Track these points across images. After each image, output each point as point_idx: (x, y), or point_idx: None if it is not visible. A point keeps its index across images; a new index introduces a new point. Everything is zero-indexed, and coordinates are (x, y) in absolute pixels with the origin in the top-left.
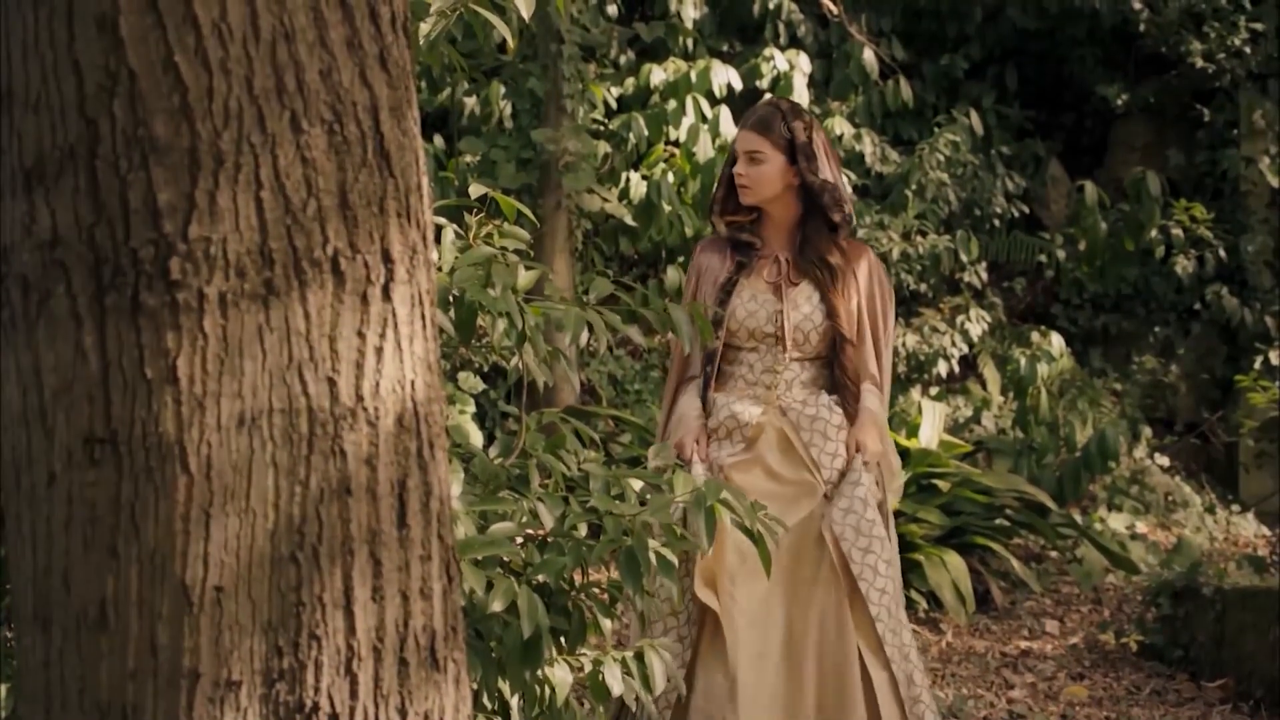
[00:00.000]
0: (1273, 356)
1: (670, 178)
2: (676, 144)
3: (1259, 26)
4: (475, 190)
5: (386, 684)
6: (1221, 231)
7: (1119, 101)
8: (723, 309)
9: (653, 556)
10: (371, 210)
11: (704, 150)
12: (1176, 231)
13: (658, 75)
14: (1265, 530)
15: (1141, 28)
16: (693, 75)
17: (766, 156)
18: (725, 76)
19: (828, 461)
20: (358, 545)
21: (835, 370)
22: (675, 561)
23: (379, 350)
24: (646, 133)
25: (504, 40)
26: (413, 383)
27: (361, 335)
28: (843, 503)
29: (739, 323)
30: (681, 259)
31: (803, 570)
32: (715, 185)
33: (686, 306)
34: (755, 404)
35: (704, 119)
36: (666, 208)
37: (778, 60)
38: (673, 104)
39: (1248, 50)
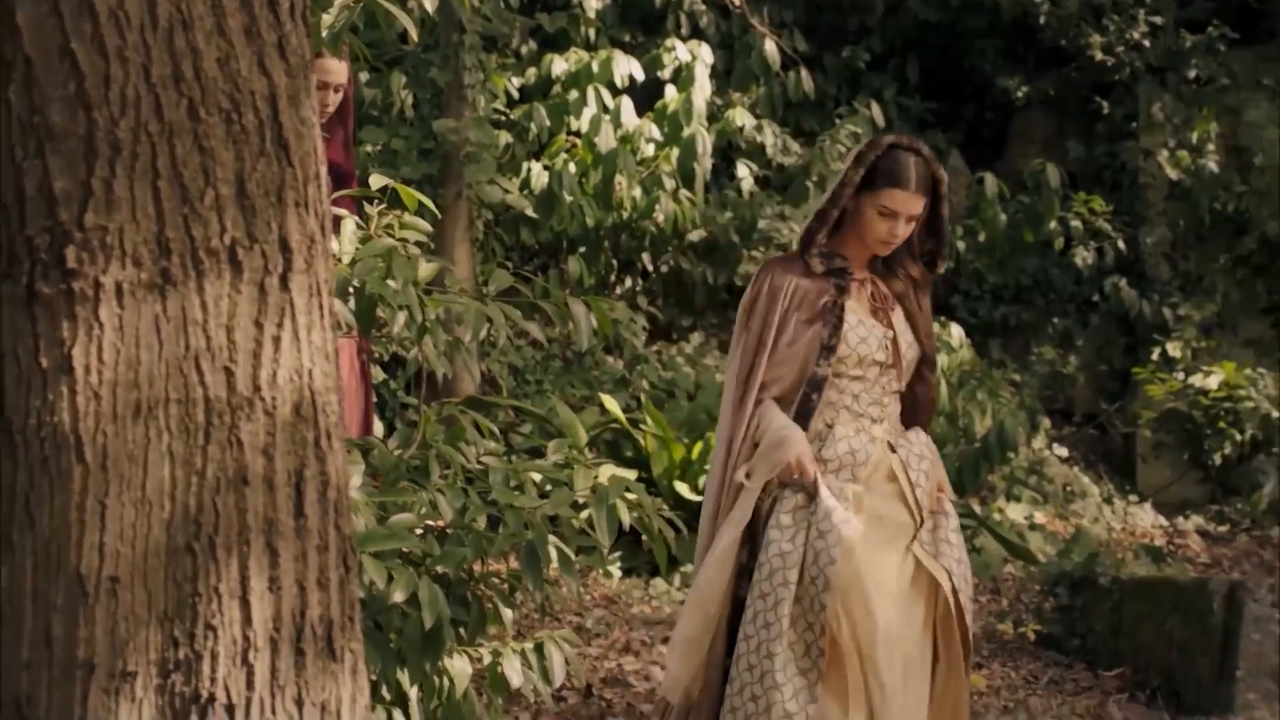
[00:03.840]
0: (1170, 348)
1: (572, 168)
2: (578, 134)
3: (1158, 20)
4: (376, 181)
5: (283, 675)
6: (1120, 224)
7: (1019, 94)
8: (836, 335)
9: (553, 551)
10: (269, 199)
11: (606, 140)
12: (1076, 223)
13: (560, 65)
14: (1162, 521)
15: (1042, 20)
16: (595, 66)
17: (920, 213)
18: (627, 67)
19: (923, 500)
20: (254, 535)
21: (916, 394)
22: (574, 555)
23: (276, 340)
24: (548, 123)
25: (406, 30)
26: (310, 372)
27: (259, 325)
28: (955, 552)
29: (851, 349)
30: (583, 249)
31: (909, 618)
32: (814, 221)
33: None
34: (869, 439)
35: (606, 109)
36: (568, 198)
37: (679, 51)
38: (574, 94)
39: (1147, 44)
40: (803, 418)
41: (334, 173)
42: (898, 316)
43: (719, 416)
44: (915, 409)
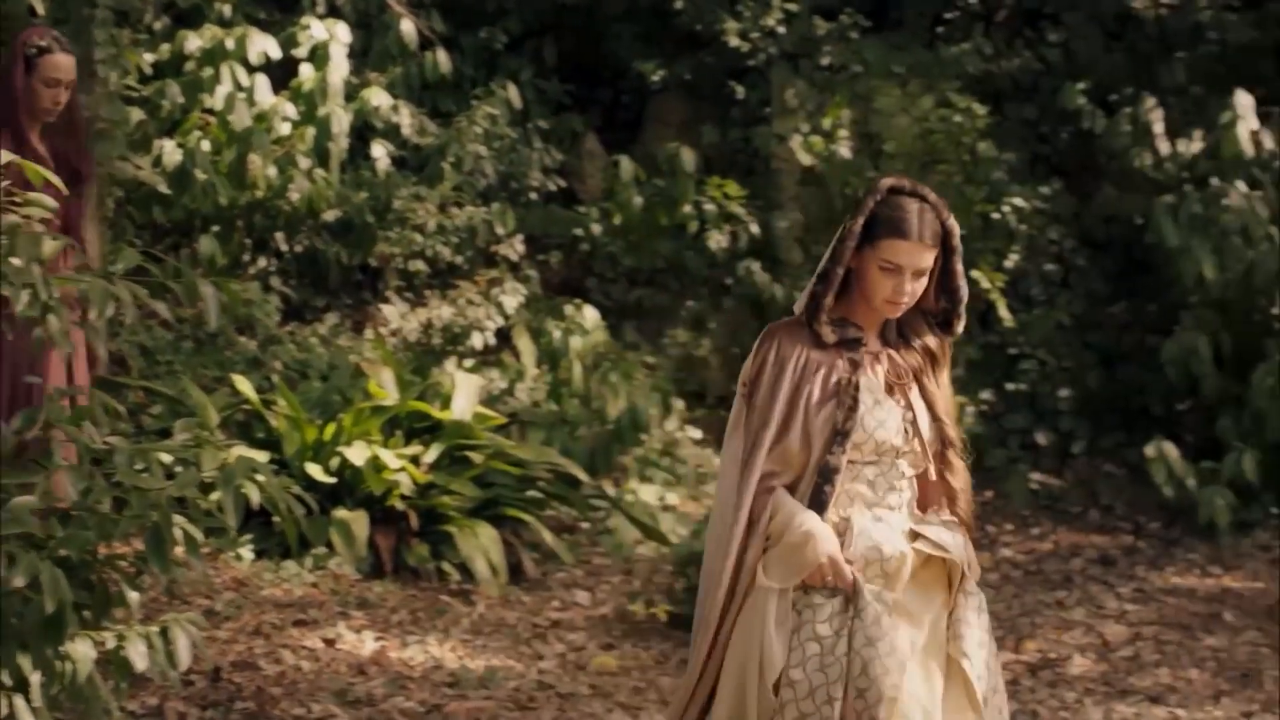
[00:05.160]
0: None
1: (205, 146)
2: (212, 112)
3: (792, 7)
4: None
5: None
6: (754, 208)
7: (655, 78)
8: (851, 419)
9: (179, 532)
10: None
11: (240, 118)
12: (710, 207)
13: (194, 42)
14: None
15: (678, 5)
16: (229, 43)
17: (930, 267)
18: (263, 45)
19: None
20: None
21: (945, 485)
22: (201, 537)
23: None
24: (181, 100)
25: (32, 3)
26: None
27: None
28: (976, 635)
29: (868, 434)
30: (216, 228)
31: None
32: (817, 284)
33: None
34: (889, 529)
35: (240, 87)
36: (201, 176)
37: (316, 29)
38: (209, 71)
39: (781, 30)
40: (815, 511)
41: (69, 167)
42: (914, 393)
43: (716, 500)
44: (949, 502)
